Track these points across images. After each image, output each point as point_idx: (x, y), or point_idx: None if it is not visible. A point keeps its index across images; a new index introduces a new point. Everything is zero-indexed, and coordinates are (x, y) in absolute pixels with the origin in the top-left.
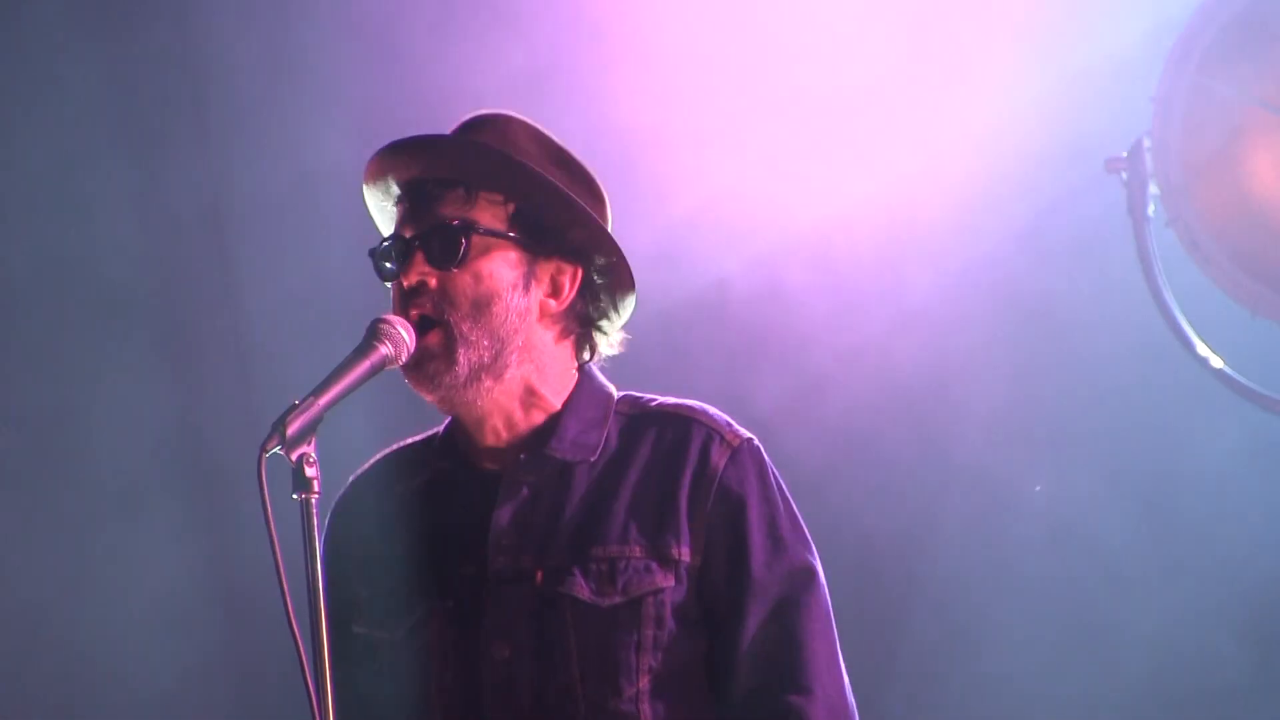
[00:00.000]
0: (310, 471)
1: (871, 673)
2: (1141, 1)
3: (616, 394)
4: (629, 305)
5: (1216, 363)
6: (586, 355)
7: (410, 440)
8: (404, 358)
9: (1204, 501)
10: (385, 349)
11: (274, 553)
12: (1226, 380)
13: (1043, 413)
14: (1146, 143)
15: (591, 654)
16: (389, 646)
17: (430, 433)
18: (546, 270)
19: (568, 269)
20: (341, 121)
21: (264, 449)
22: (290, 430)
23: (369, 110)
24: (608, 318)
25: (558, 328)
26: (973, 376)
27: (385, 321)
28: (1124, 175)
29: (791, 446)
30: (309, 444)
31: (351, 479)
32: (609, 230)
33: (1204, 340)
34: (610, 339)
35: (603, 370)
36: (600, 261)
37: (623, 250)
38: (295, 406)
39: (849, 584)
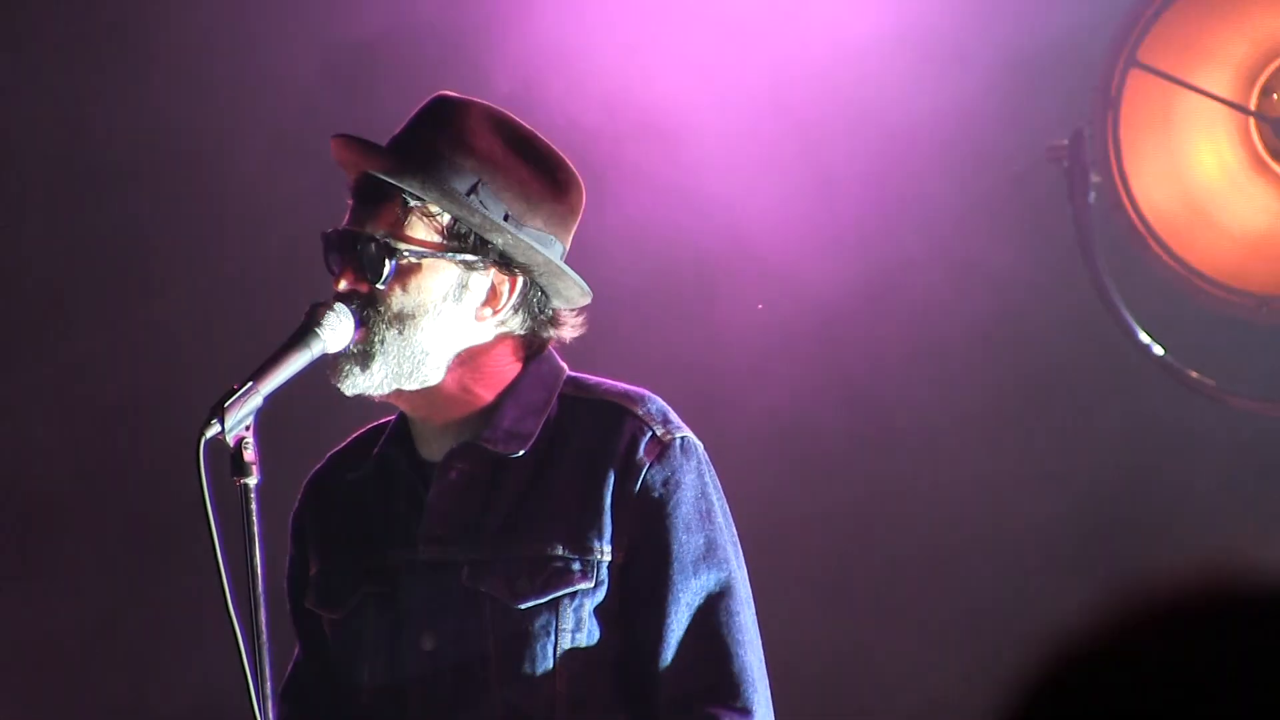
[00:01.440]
0: (249, 456)
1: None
2: None
3: (566, 375)
4: (579, 300)
5: (1158, 350)
6: (536, 348)
7: (378, 422)
8: (342, 345)
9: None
10: (325, 335)
11: (213, 539)
12: (1167, 368)
13: (983, 395)
14: (1087, 130)
15: (509, 653)
16: (332, 626)
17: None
18: (482, 281)
19: (504, 279)
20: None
21: (202, 434)
22: (229, 414)
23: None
24: (553, 319)
25: (496, 331)
26: (914, 359)
27: (325, 306)
28: (1064, 163)
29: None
30: (248, 429)
31: (329, 454)
32: (569, 224)
33: (1145, 329)
34: (560, 331)
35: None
36: (542, 266)
37: (566, 254)
38: (233, 391)
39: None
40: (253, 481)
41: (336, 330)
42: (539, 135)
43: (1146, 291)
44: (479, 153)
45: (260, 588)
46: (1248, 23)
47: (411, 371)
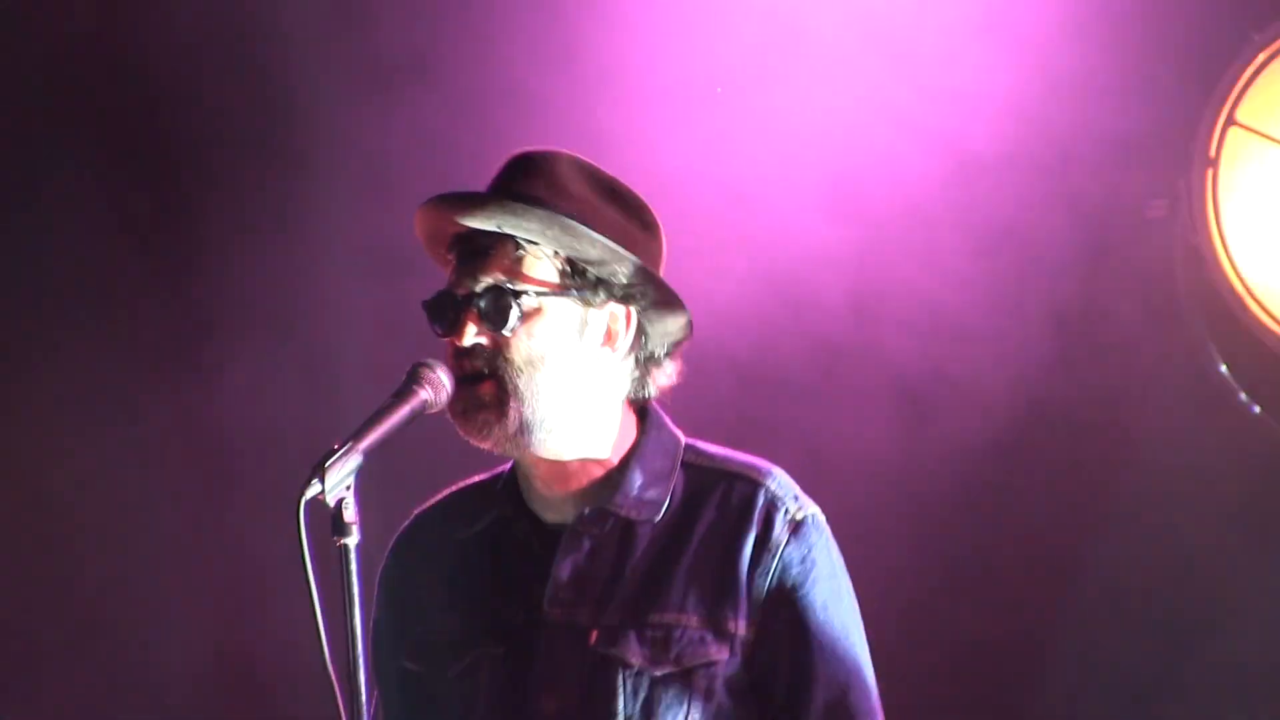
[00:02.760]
0: (349, 516)
1: None
2: (1179, 48)
3: (684, 442)
4: (684, 330)
5: (1256, 409)
6: (645, 393)
7: (476, 479)
8: (443, 402)
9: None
10: (425, 394)
11: (312, 599)
12: (1264, 426)
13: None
14: (1185, 189)
15: (638, 719)
16: (440, 685)
17: (495, 472)
18: (600, 318)
19: (621, 313)
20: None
21: (303, 492)
22: (330, 475)
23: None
24: (663, 353)
25: (615, 372)
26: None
27: (425, 365)
28: (1163, 224)
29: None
30: (348, 489)
31: (415, 513)
32: (660, 263)
33: (1244, 388)
34: (667, 370)
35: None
36: (652, 297)
37: (671, 284)
38: (334, 451)
39: None
40: (353, 542)
41: (436, 386)
42: (620, 180)
43: (1246, 351)
44: (576, 197)
45: (360, 648)
46: None
47: (544, 418)
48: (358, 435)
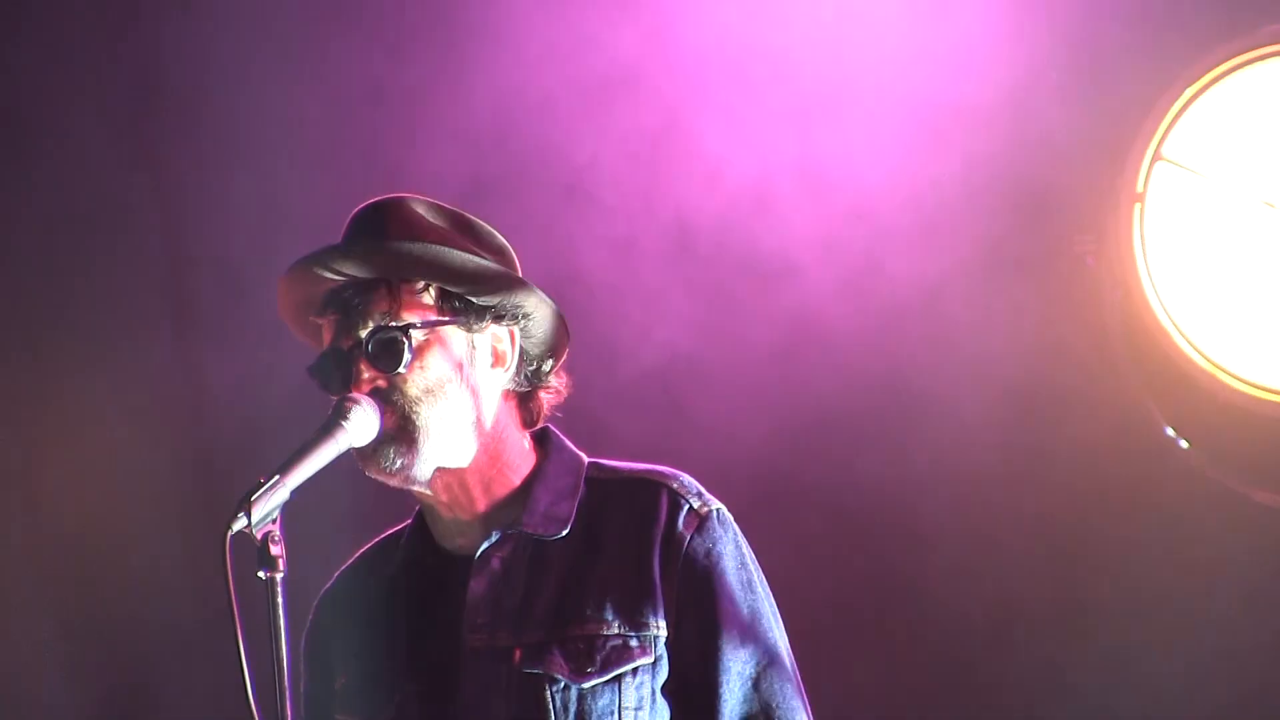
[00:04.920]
0: (275, 550)
1: None
2: (1106, 83)
3: (586, 460)
4: (563, 346)
5: (1183, 444)
6: (535, 414)
7: (388, 532)
8: (370, 436)
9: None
10: (352, 429)
11: (236, 633)
12: (1191, 462)
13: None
14: (1113, 224)
15: None
16: None
17: (405, 524)
18: (485, 341)
19: (504, 334)
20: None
21: (229, 527)
22: (256, 509)
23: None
24: (548, 367)
25: (507, 393)
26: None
27: (351, 400)
28: (1090, 258)
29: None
30: (274, 522)
31: (336, 573)
32: (527, 282)
33: (1171, 424)
34: (555, 386)
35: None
36: (530, 312)
37: (547, 296)
38: (260, 485)
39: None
40: (279, 575)
41: (362, 423)
42: (467, 213)
43: (1172, 386)
44: (434, 231)
45: (285, 679)
46: (1272, 117)
47: (448, 445)
48: (284, 469)
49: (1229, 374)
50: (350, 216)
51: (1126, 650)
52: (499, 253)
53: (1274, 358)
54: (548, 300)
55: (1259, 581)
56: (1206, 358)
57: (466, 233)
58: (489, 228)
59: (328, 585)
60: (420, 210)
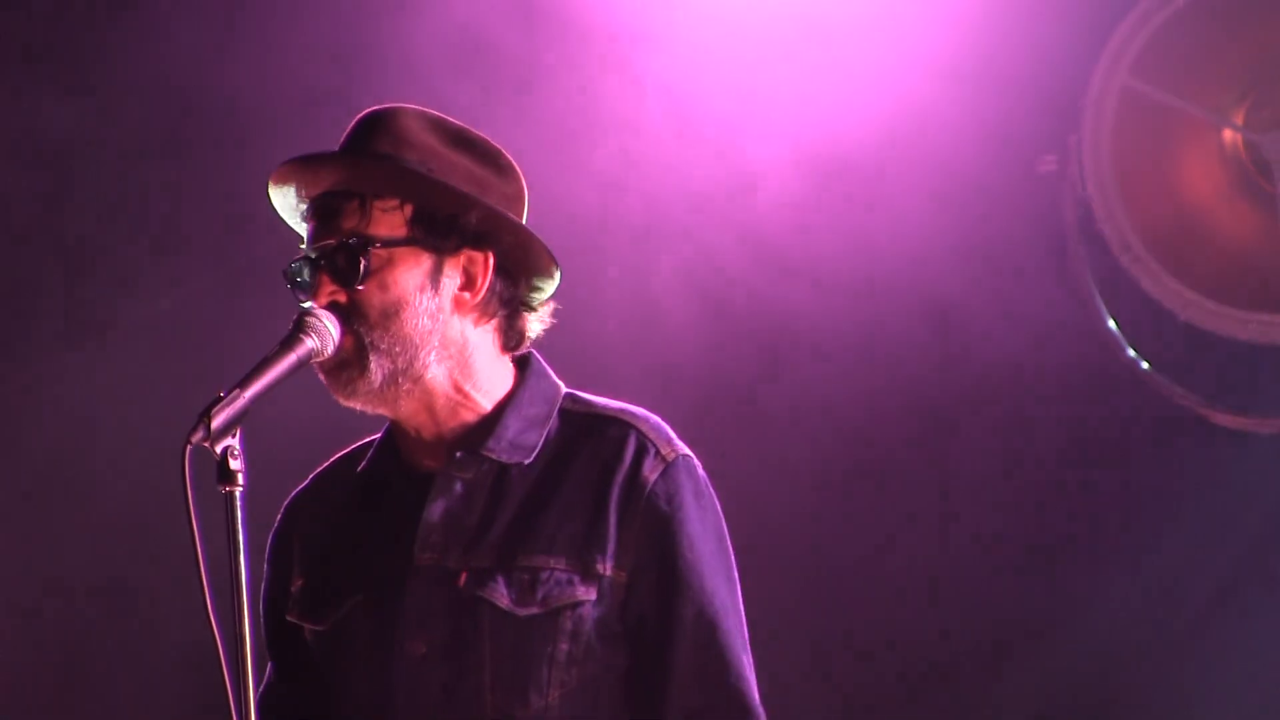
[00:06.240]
0: (235, 464)
1: None
2: (1069, 3)
3: (564, 391)
4: (553, 276)
5: (1144, 365)
6: (515, 339)
7: (365, 440)
8: (329, 350)
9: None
10: (312, 342)
11: (195, 545)
12: (1153, 383)
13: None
14: (1076, 146)
15: (504, 662)
16: (316, 637)
17: (375, 436)
18: (456, 264)
19: (478, 258)
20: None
21: (189, 441)
22: (215, 423)
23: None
24: (530, 297)
25: (478, 317)
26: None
27: (311, 314)
28: (1052, 180)
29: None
30: (234, 436)
31: (311, 475)
32: (520, 205)
33: (1132, 344)
34: (540, 315)
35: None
36: (510, 241)
37: (531, 226)
38: (220, 399)
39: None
40: (239, 489)
41: (322, 335)
42: (472, 129)
43: (1135, 307)
44: (420, 147)
45: (245, 595)
46: (1236, 41)
47: (406, 367)
48: (244, 383)
49: (1192, 295)
50: (353, 122)
51: (1089, 580)
52: (500, 171)
53: (1233, 277)
54: (532, 234)
55: (1220, 505)
56: (1170, 279)
57: (463, 148)
58: (495, 146)
59: (300, 487)
60: (414, 124)
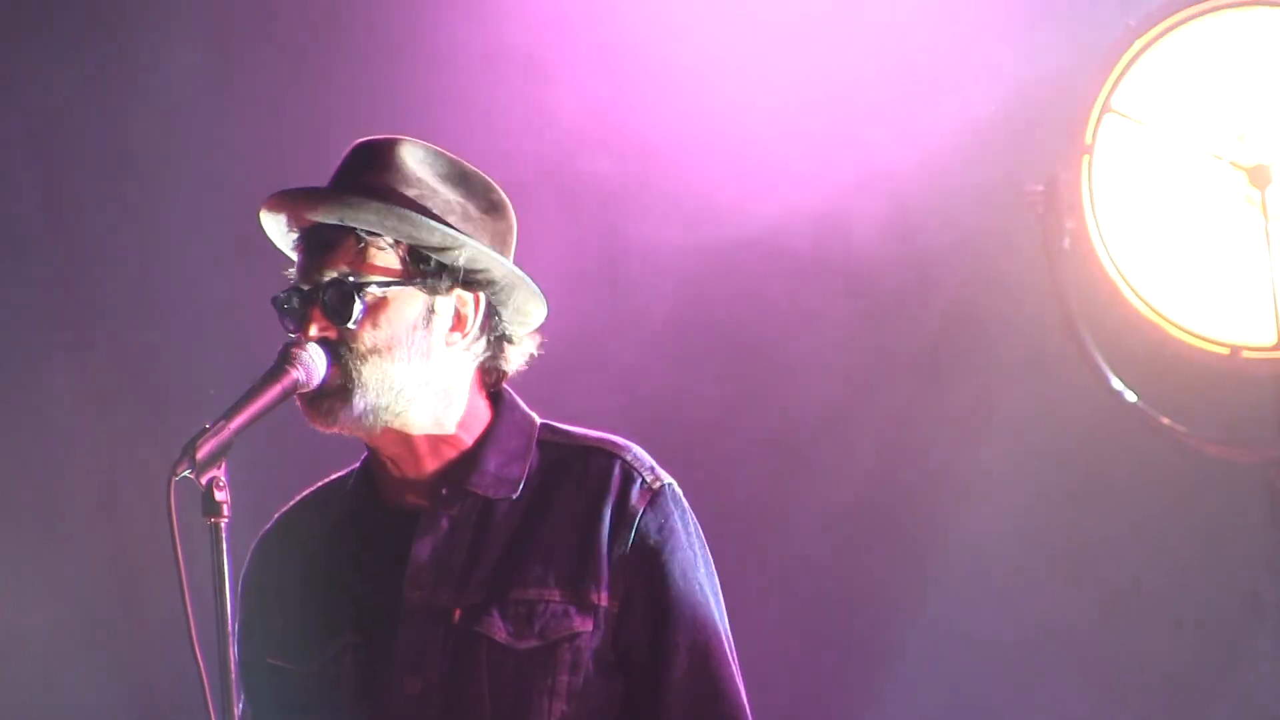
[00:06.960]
0: (220, 495)
1: None
2: (1057, 34)
3: (538, 422)
4: (538, 315)
5: (1130, 397)
6: (497, 376)
7: (332, 477)
8: (314, 384)
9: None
10: (298, 374)
11: (180, 577)
12: (1140, 415)
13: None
14: (1062, 176)
15: (504, 696)
16: (302, 680)
17: (349, 469)
18: (447, 305)
19: (469, 298)
20: None
21: (174, 472)
22: (200, 454)
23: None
24: (513, 337)
25: (464, 356)
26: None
27: (297, 345)
28: (1039, 209)
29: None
30: (219, 468)
31: (276, 515)
32: (509, 242)
33: (1118, 375)
34: (520, 350)
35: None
36: (501, 281)
37: (522, 268)
38: (206, 430)
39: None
40: (224, 521)
41: (310, 368)
42: (464, 162)
43: (1120, 338)
44: (415, 183)
45: (230, 626)
46: (1223, 70)
47: (390, 404)
48: (229, 415)
49: (1177, 326)
50: (347, 151)
51: (1078, 610)
52: (492, 208)
53: (1221, 310)
54: (518, 270)
55: (1215, 535)
56: (1154, 310)
57: (456, 184)
58: (487, 180)
59: (267, 526)
60: (408, 159)
